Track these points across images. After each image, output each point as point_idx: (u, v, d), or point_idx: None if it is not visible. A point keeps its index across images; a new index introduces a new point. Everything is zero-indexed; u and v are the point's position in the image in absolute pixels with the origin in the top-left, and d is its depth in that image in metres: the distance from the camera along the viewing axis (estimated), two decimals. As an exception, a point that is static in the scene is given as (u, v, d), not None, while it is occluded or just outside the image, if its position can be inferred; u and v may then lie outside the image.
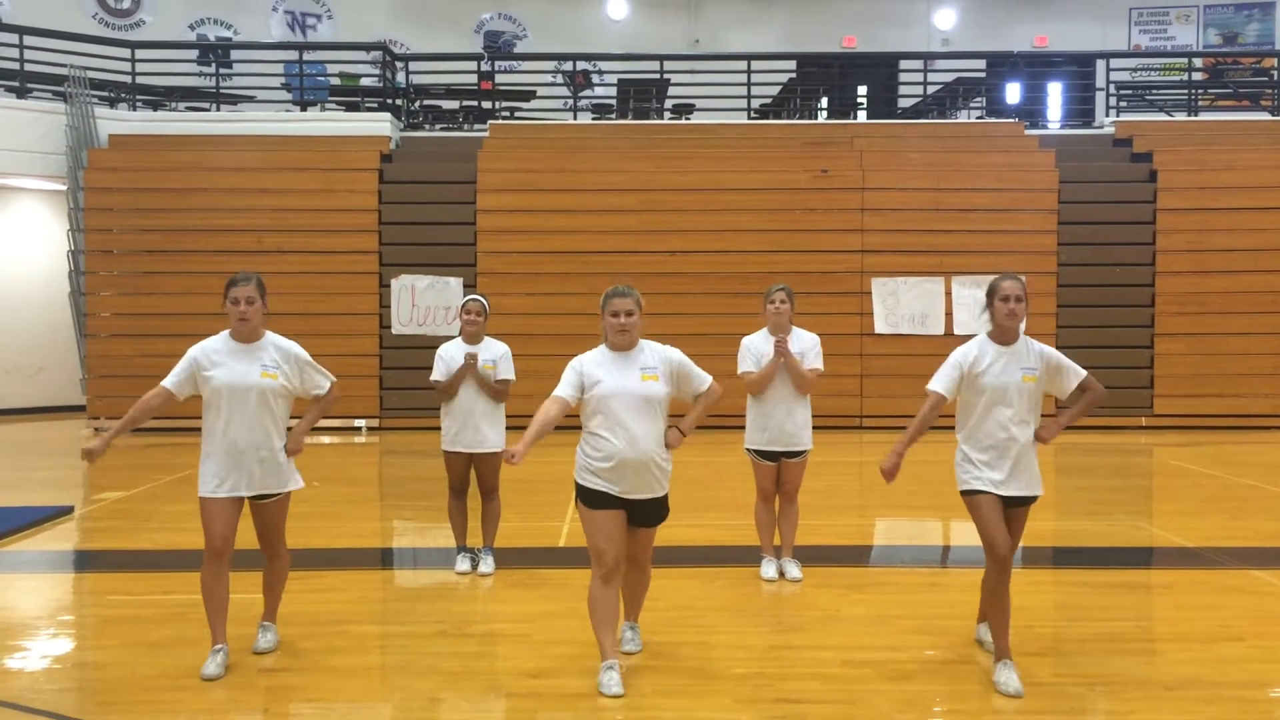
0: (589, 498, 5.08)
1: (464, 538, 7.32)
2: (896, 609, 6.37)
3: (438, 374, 7.11)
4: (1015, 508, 5.23)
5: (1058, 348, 5.55)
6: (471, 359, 6.99)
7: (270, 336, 5.43)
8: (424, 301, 15.67)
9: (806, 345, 6.92)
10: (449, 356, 7.10)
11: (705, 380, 5.23)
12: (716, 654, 5.55)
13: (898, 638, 5.81)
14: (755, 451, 6.97)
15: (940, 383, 5.25)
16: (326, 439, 15.03)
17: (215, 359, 5.32)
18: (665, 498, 5.20)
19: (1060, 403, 5.51)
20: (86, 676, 5.44)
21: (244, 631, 5.68)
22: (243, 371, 5.28)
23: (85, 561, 8.21)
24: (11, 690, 5.09)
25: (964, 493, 5.25)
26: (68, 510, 9.38)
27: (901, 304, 15.99)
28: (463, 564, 7.19)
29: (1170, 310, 16.12)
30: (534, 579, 7.09)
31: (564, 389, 5.10)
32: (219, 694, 5.04)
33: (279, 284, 15.75)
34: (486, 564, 7.17)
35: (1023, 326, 5.30)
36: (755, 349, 6.93)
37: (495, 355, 7.10)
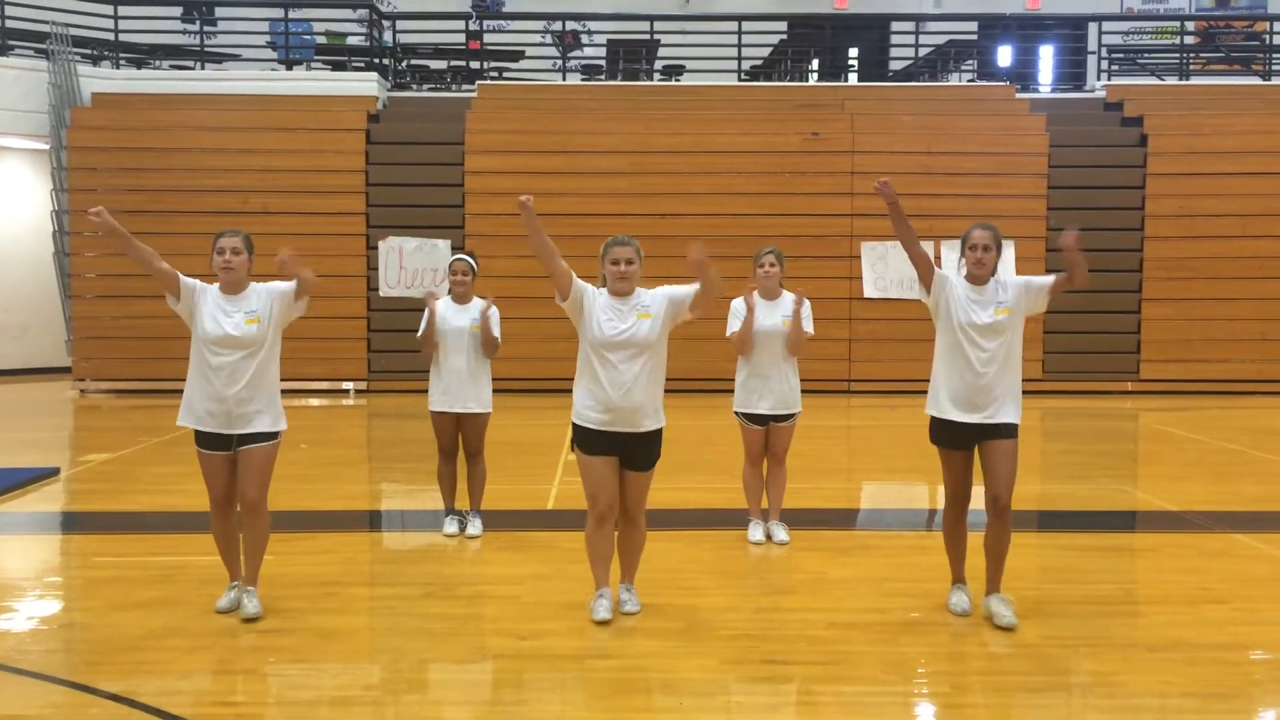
0: (584, 440, 5.32)
1: (452, 500, 7.31)
2: (883, 572, 6.41)
3: (424, 330, 7.07)
4: (990, 439, 5.34)
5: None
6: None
7: (255, 285, 5.53)
8: (412, 263, 15.55)
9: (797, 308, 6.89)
10: (439, 314, 7.05)
11: (690, 289, 5.36)
12: (703, 616, 5.58)
13: (884, 600, 5.84)
14: (744, 415, 6.97)
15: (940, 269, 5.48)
16: (315, 401, 15.00)
17: (208, 307, 5.43)
18: (658, 434, 5.40)
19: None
20: (73, 637, 5.44)
21: (217, 591, 5.71)
22: (226, 320, 5.38)
23: (71, 523, 8.19)
24: (-2, 651, 5.09)
25: (934, 439, 5.50)
26: (53, 472, 9.35)
27: (891, 268, 15.90)
28: (450, 526, 7.19)
29: (1158, 275, 16.13)
30: (522, 541, 7.11)
31: (575, 280, 5.31)
32: (206, 655, 5.05)
33: (264, 245, 15.46)
34: (474, 526, 7.17)
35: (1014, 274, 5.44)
36: (742, 310, 6.89)
37: (478, 316, 7.01)
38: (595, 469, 5.35)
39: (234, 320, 5.38)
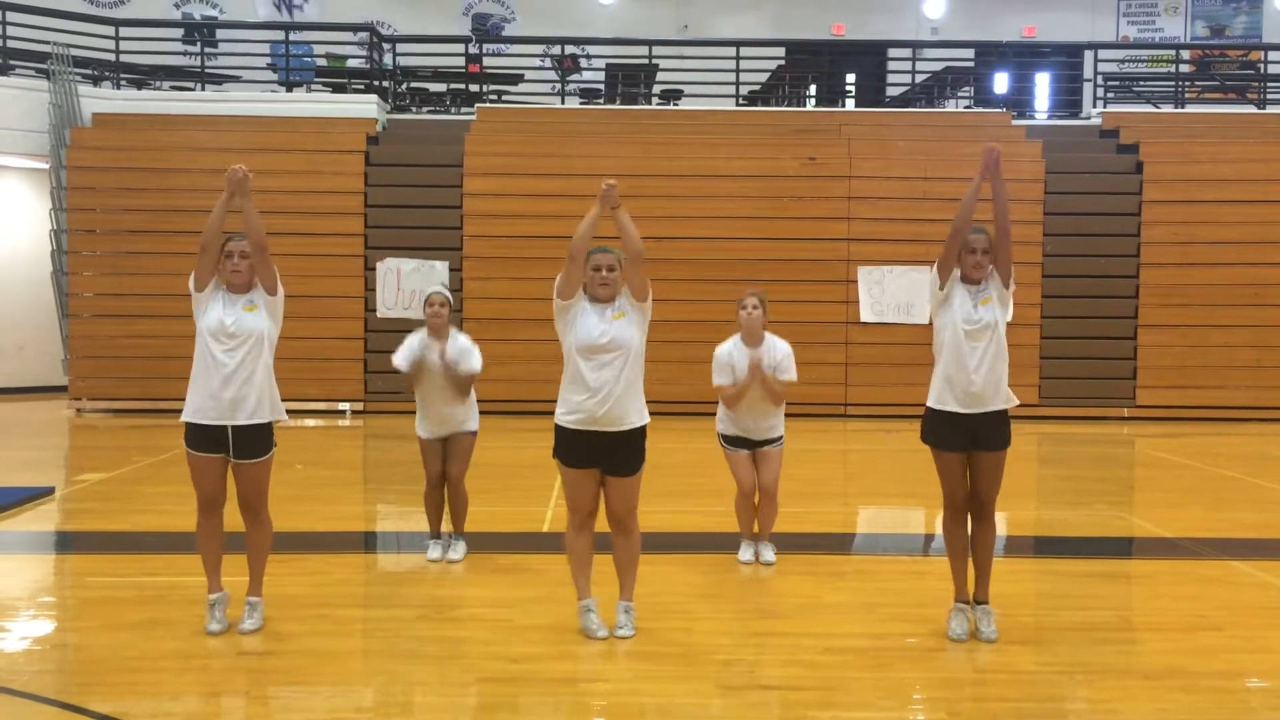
0: (565, 445, 5.43)
1: (439, 525, 7.22)
2: (878, 596, 6.39)
3: (400, 359, 6.99)
4: (987, 450, 5.48)
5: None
6: (440, 353, 6.87)
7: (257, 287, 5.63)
8: (409, 285, 15.61)
9: (779, 357, 6.93)
10: (415, 349, 6.96)
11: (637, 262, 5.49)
12: (698, 640, 5.56)
13: (879, 625, 5.83)
14: (726, 439, 7.02)
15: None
16: (311, 422, 14.98)
17: (210, 300, 5.54)
18: (641, 432, 5.45)
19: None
20: (66, 658, 5.42)
21: (235, 614, 5.69)
22: (229, 313, 5.46)
23: (66, 543, 8.17)
24: (-10, 671, 5.07)
25: (926, 431, 5.59)
26: (48, 491, 9.33)
27: (887, 292, 16.01)
28: (434, 552, 7.12)
29: (1154, 301, 16.18)
30: (516, 564, 7.09)
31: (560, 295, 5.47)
32: (199, 676, 5.02)
33: (263, 266, 15.76)
34: (456, 551, 7.05)
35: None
36: (727, 362, 6.92)
37: (457, 350, 6.92)
38: (575, 480, 5.50)
39: (235, 311, 5.47)
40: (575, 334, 5.42)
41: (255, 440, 5.48)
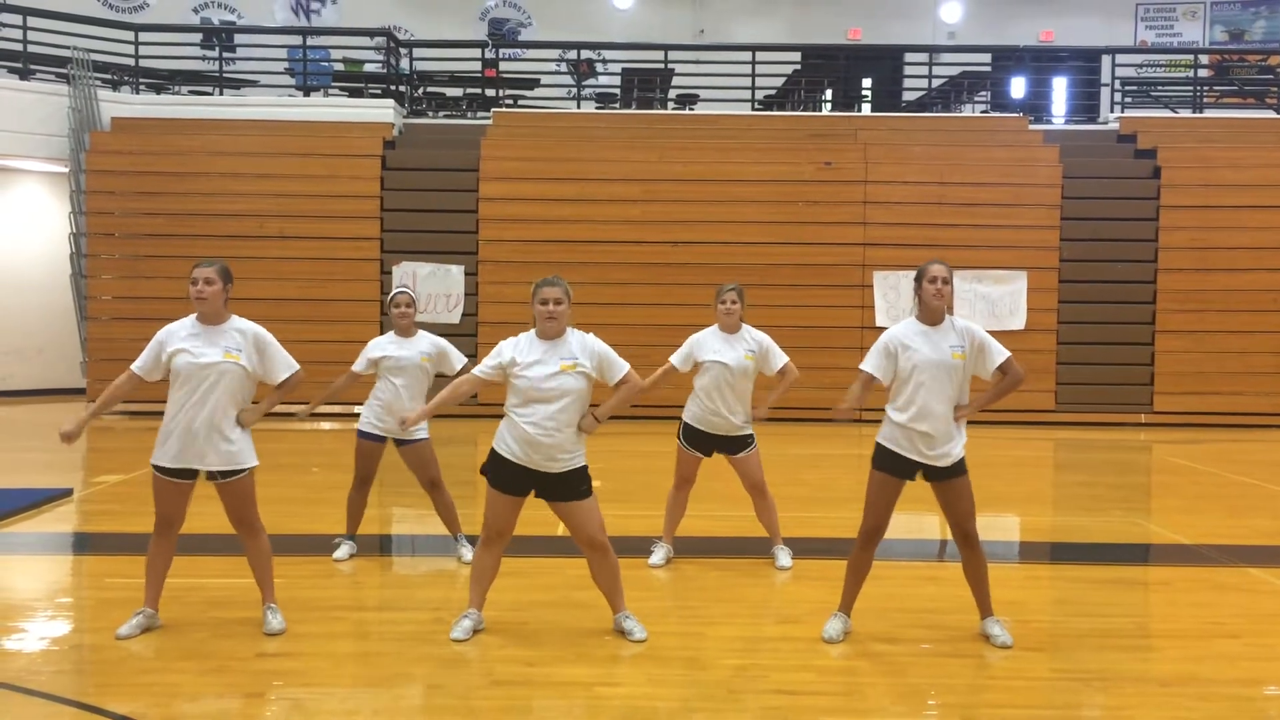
0: (497, 470, 5.42)
1: (355, 527, 7.36)
2: (893, 602, 6.38)
3: (359, 366, 7.31)
4: (942, 480, 5.55)
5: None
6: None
7: (235, 320, 5.54)
8: (425, 289, 15.65)
9: (764, 349, 6.99)
10: (372, 348, 7.27)
11: (623, 368, 5.48)
12: (711, 645, 5.56)
13: (894, 630, 5.82)
14: (686, 436, 6.98)
15: (869, 363, 5.74)
16: (327, 425, 15.03)
17: (180, 341, 5.45)
18: (576, 473, 5.44)
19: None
20: (84, 659, 5.45)
21: (251, 615, 5.72)
22: (204, 353, 5.40)
23: (84, 544, 8.23)
24: (9, 672, 5.10)
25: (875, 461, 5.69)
26: (67, 493, 9.39)
27: (903, 297, 15.96)
28: (341, 551, 7.21)
29: (1172, 307, 16.10)
30: (529, 567, 7.09)
31: (483, 368, 5.48)
32: (215, 677, 5.05)
33: (281, 270, 15.87)
34: (467, 553, 7.12)
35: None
36: (693, 347, 6.98)
37: (427, 349, 7.13)
38: (497, 500, 5.48)
39: (211, 352, 5.40)
40: (515, 374, 5.40)
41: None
